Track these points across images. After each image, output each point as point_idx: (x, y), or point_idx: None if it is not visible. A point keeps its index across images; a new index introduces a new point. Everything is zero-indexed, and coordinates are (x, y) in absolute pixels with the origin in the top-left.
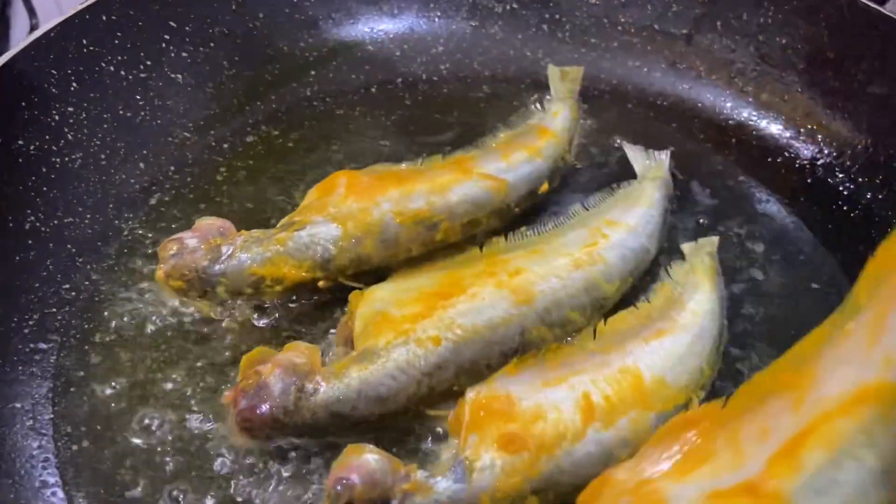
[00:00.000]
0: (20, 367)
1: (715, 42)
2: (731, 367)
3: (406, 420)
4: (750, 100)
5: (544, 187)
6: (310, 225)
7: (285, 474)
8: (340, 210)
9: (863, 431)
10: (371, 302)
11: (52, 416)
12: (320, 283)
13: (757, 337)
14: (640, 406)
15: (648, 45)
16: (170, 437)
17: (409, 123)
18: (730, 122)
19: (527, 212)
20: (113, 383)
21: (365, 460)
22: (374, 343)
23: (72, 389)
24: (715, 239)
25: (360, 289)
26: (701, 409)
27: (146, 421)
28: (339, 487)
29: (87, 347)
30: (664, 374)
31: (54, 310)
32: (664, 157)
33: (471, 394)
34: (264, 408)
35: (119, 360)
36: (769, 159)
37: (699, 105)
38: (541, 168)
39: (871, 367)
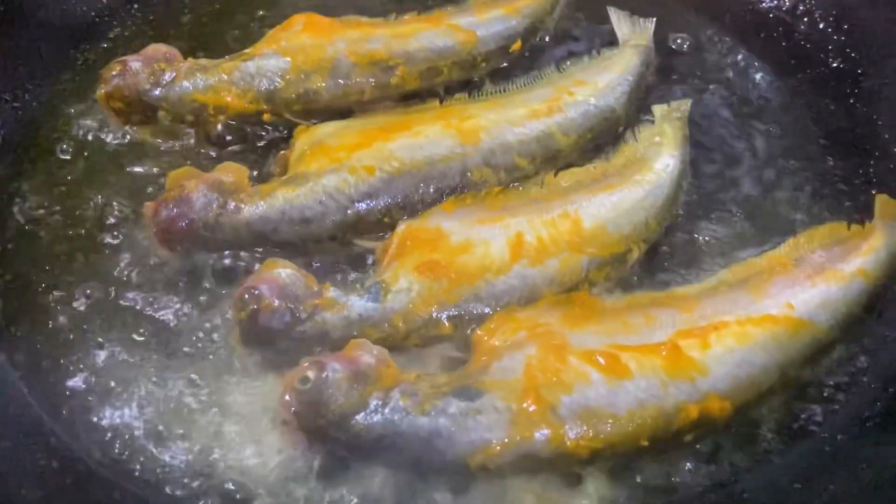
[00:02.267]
0: None
1: None
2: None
3: (332, 248)
4: None
5: (516, 46)
6: (258, 56)
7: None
8: (292, 44)
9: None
10: (313, 135)
11: None
12: (265, 116)
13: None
14: (574, 249)
15: None
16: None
17: None
18: None
19: (497, 73)
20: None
21: (276, 273)
22: (306, 168)
23: None
24: (687, 101)
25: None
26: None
27: (70, 231)
28: (245, 296)
29: (24, 163)
30: (605, 222)
31: None
32: (649, 24)
33: (401, 226)
34: (183, 220)
35: (51, 174)
36: (762, 33)
37: None
38: (515, 26)
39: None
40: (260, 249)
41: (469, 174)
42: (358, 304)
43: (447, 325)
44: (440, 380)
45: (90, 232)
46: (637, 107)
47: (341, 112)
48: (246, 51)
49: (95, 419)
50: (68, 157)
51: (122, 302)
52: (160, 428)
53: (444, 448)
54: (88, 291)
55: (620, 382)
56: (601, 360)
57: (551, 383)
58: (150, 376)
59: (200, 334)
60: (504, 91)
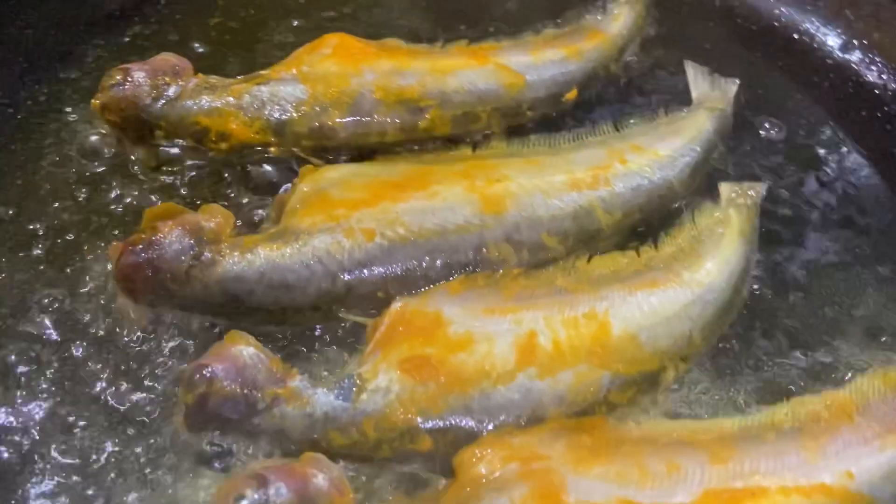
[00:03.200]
0: None
1: None
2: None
3: (315, 320)
4: (861, 40)
5: (571, 94)
6: (275, 81)
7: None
8: (314, 71)
9: None
10: (318, 179)
11: None
12: (272, 150)
13: (776, 317)
14: (595, 361)
15: None
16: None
17: (444, 3)
18: (828, 60)
19: (547, 122)
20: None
21: (237, 352)
22: (298, 223)
23: None
24: (763, 186)
25: (317, 165)
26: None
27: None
28: (196, 376)
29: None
30: (639, 331)
31: None
32: (731, 86)
33: (397, 304)
34: (150, 269)
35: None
36: (863, 112)
37: (794, 36)
38: (572, 71)
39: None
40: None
41: (485, 250)
42: (324, 400)
43: (427, 439)
44: None
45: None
46: (700, 183)
47: (359, 151)
48: (263, 72)
49: None
50: (52, 169)
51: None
52: None
53: None
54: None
55: None
56: None
57: None
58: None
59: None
60: (550, 145)
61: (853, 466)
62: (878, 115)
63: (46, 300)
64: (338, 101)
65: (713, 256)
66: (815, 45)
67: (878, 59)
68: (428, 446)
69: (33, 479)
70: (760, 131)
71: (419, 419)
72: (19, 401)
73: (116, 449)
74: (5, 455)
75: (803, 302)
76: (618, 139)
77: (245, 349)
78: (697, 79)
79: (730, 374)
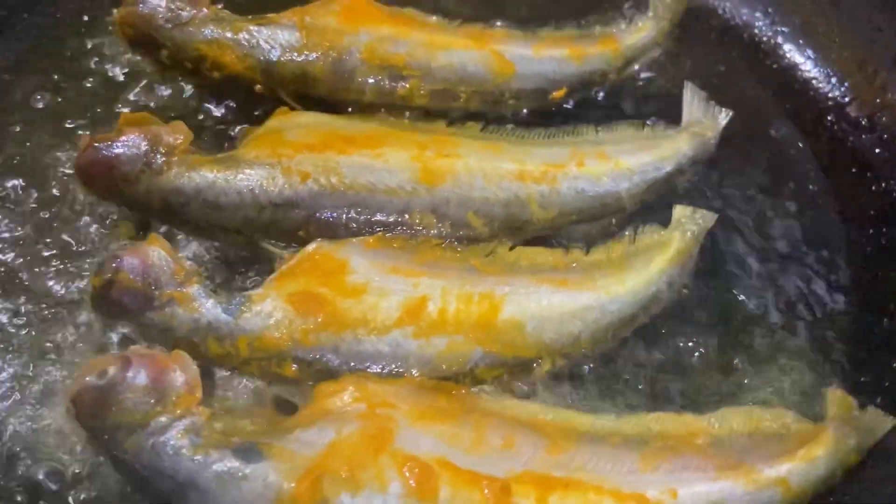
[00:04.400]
0: None
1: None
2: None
3: (238, 242)
4: (877, 100)
5: (559, 93)
6: (275, 24)
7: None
8: (315, 22)
9: None
10: (284, 120)
11: None
12: (257, 87)
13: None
14: (471, 336)
15: None
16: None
17: None
18: (830, 117)
19: (533, 115)
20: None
21: (148, 251)
22: (246, 153)
23: None
24: (714, 216)
25: (294, 109)
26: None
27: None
28: (106, 264)
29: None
30: (528, 320)
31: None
32: (723, 117)
33: (313, 245)
34: (107, 164)
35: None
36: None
37: (812, 83)
38: (567, 71)
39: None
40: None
41: (408, 216)
42: (211, 311)
43: (293, 368)
44: (237, 425)
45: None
46: (654, 199)
47: (337, 104)
48: (270, 15)
49: None
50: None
51: None
52: None
53: (197, 502)
54: None
55: None
56: (411, 473)
57: (340, 477)
58: None
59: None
60: (520, 136)
61: (681, 488)
62: (868, 176)
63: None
64: (325, 55)
65: (636, 273)
66: (826, 98)
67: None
68: (292, 373)
69: None
70: (741, 165)
71: (289, 347)
72: None
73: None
74: None
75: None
76: (589, 143)
77: (155, 251)
78: (693, 102)
79: (612, 380)
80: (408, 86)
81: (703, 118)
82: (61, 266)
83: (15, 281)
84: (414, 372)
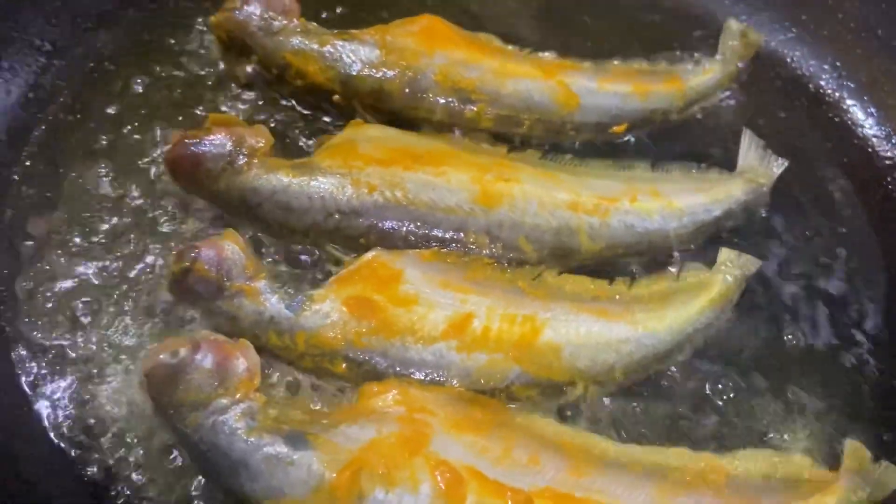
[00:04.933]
0: None
1: None
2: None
3: (303, 244)
4: None
5: (620, 128)
6: (358, 41)
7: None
8: (395, 42)
9: None
10: (357, 132)
11: None
12: (335, 97)
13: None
14: (511, 355)
15: (859, 49)
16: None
17: (553, 12)
18: (887, 177)
19: (594, 148)
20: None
21: (224, 245)
22: (320, 161)
23: None
24: (757, 262)
25: (367, 122)
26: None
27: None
28: (186, 253)
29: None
30: (565, 345)
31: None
32: (778, 165)
33: (372, 252)
34: (194, 159)
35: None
36: None
37: (871, 140)
38: (630, 108)
39: None
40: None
41: (463, 234)
42: (275, 306)
43: (343, 366)
44: (289, 414)
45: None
46: (702, 242)
47: (408, 121)
48: (354, 31)
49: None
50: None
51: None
52: None
53: (244, 481)
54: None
55: None
56: (442, 477)
57: (378, 474)
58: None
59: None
60: (576, 166)
61: None
62: None
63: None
64: (401, 73)
65: (675, 311)
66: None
67: None
68: (342, 371)
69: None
70: (792, 214)
71: (342, 347)
72: None
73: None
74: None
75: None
76: (643, 180)
77: (230, 245)
78: (750, 148)
79: (642, 409)
80: (475, 109)
81: (759, 165)
82: (142, 246)
83: (102, 255)
84: (454, 382)
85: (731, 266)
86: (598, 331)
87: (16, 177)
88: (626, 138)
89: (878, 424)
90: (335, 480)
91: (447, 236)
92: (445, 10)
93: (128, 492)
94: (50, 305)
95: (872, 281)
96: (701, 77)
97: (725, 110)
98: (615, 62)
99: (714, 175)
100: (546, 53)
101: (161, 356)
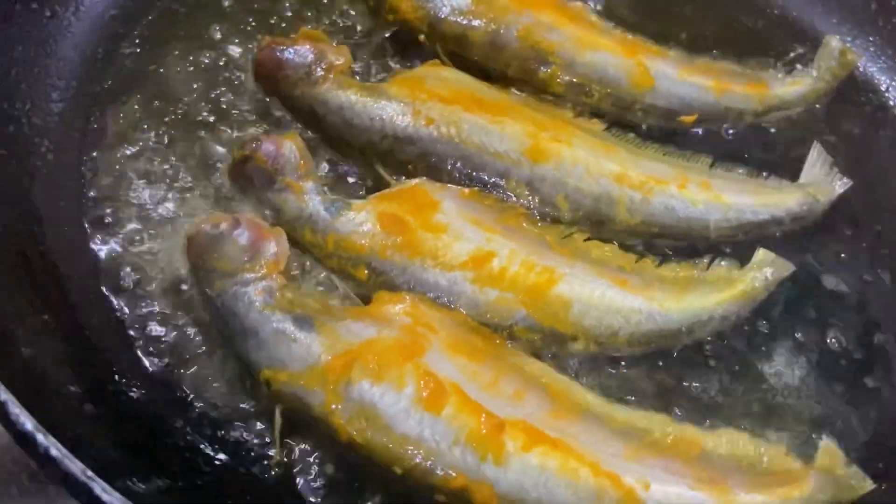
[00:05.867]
0: None
1: None
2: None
3: (356, 159)
4: None
5: (690, 118)
6: None
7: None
8: None
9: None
10: (431, 70)
11: None
12: (421, 37)
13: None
14: (521, 296)
15: None
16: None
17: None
18: None
19: (659, 132)
20: None
21: (284, 142)
22: (388, 88)
23: None
24: (791, 267)
25: (445, 64)
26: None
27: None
28: (249, 143)
29: None
30: (575, 301)
31: None
32: (841, 185)
33: (417, 180)
34: (279, 64)
35: None
36: None
37: None
38: (703, 102)
39: None
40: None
41: (505, 181)
42: (315, 206)
43: (364, 272)
44: (304, 300)
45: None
46: (742, 241)
47: (484, 71)
48: None
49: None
50: None
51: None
52: None
53: (251, 348)
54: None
55: (422, 414)
56: (426, 385)
57: (369, 368)
58: None
59: None
60: (638, 145)
61: (655, 483)
62: None
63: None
64: (486, 24)
65: (695, 297)
66: None
67: None
68: (363, 276)
69: None
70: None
71: (366, 254)
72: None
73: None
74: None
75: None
76: (699, 172)
77: (289, 144)
78: (816, 163)
79: (640, 378)
80: (549, 71)
81: (821, 181)
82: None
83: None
84: (462, 310)
85: (764, 267)
86: (612, 296)
87: (124, 50)
88: (694, 130)
89: (872, 454)
90: (329, 363)
91: (490, 180)
92: None
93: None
94: (118, 167)
95: None
96: (788, 87)
97: (803, 123)
98: (704, 58)
99: (773, 182)
100: (636, 34)
101: (204, 225)
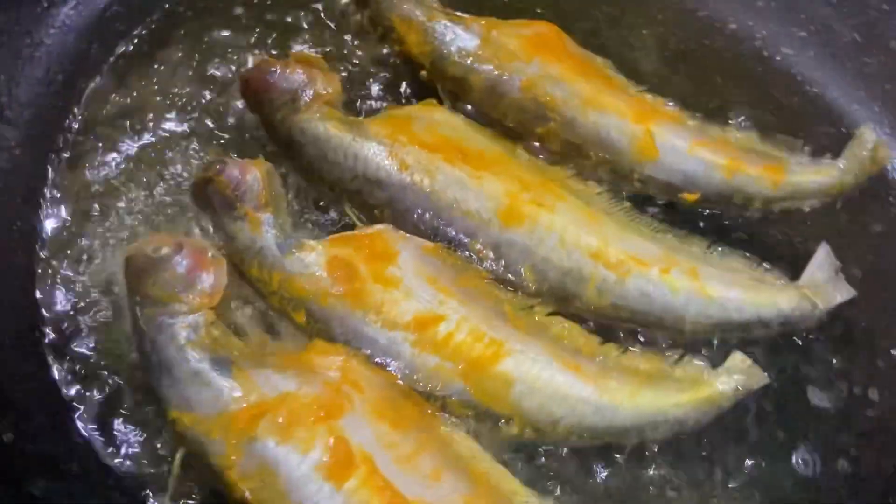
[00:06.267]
0: None
1: None
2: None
3: (329, 198)
4: None
5: (692, 197)
6: (464, 27)
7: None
8: (500, 38)
9: None
10: (423, 111)
11: None
12: (423, 73)
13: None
14: (460, 368)
15: None
16: None
17: (687, 59)
18: None
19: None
20: None
21: (250, 169)
22: (370, 125)
23: None
24: (764, 380)
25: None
26: None
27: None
28: (211, 165)
29: None
30: (517, 381)
31: None
32: (843, 295)
33: (382, 226)
34: (260, 82)
35: None
36: None
37: None
38: (709, 180)
39: None
40: None
41: (470, 241)
42: (268, 240)
43: (304, 317)
44: (229, 340)
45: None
46: (718, 339)
47: (481, 116)
48: (466, 16)
49: None
50: None
51: None
52: None
53: (164, 383)
54: None
55: (322, 484)
56: (334, 452)
57: (277, 424)
58: None
59: None
60: (630, 218)
61: None
62: None
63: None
64: (490, 70)
65: (653, 396)
66: None
67: None
68: (301, 320)
69: None
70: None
71: (308, 299)
72: None
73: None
74: None
75: None
76: (689, 256)
77: (255, 172)
78: (821, 266)
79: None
80: (548, 127)
81: (822, 286)
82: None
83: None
84: (396, 373)
85: (735, 374)
86: (561, 382)
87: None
88: (697, 209)
89: None
90: (237, 413)
91: (457, 237)
92: (579, 22)
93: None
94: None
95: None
96: (808, 176)
97: (818, 215)
98: (723, 128)
99: (769, 277)
100: (657, 97)
101: (145, 247)
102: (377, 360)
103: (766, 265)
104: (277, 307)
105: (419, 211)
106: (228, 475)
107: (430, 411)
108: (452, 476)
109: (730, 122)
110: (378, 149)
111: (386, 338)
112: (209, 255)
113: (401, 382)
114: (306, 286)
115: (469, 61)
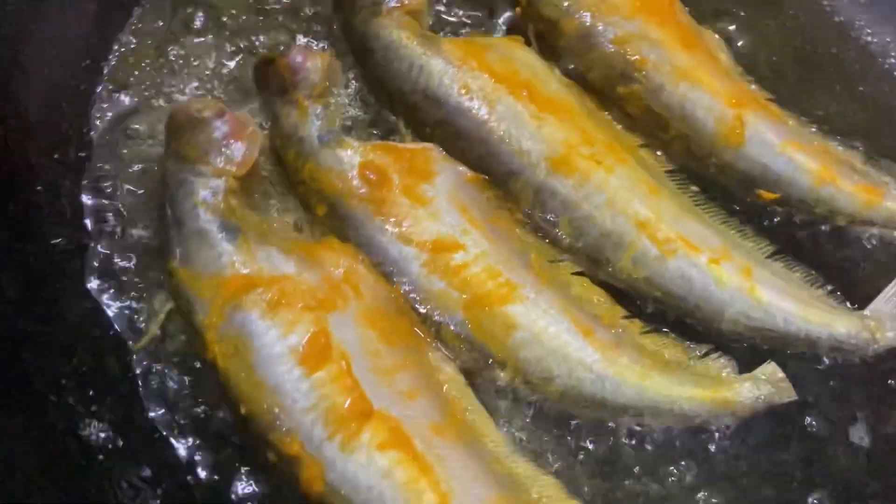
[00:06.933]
0: None
1: None
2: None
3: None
4: None
5: (767, 195)
6: None
7: None
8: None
9: None
10: (504, 45)
11: None
12: (517, 10)
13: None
14: (465, 299)
15: None
16: None
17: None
18: None
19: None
20: None
21: (315, 60)
22: (444, 44)
23: None
24: (791, 396)
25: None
26: None
27: None
28: (279, 48)
29: None
30: (518, 328)
31: None
32: None
33: (430, 146)
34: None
35: None
36: None
37: None
38: (794, 184)
39: None
40: None
41: (512, 180)
42: (311, 129)
43: (324, 211)
44: (244, 212)
45: None
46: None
47: (563, 64)
48: None
49: None
50: None
51: None
52: None
53: (172, 236)
54: None
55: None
56: (313, 341)
57: (264, 300)
58: None
59: None
60: (694, 203)
61: None
62: None
63: None
64: (586, 18)
65: (663, 382)
66: None
67: None
68: (320, 214)
69: None
70: None
71: (332, 195)
72: None
73: None
74: None
75: None
76: (748, 255)
77: (317, 61)
78: (891, 301)
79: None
80: (631, 88)
81: (888, 323)
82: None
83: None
84: (398, 286)
85: (765, 384)
86: (565, 340)
87: None
88: (771, 208)
89: None
90: (228, 279)
91: (500, 171)
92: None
93: None
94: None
95: None
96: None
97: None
98: (825, 139)
99: (832, 300)
100: (762, 90)
101: (190, 105)
102: (384, 269)
103: (829, 287)
104: (301, 196)
105: (469, 137)
106: (205, 335)
107: (423, 335)
108: (427, 402)
109: (837, 137)
110: (444, 66)
111: (398, 251)
112: (249, 129)
113: (402, 298)
114: (335, 182)
115: (566, 4)
